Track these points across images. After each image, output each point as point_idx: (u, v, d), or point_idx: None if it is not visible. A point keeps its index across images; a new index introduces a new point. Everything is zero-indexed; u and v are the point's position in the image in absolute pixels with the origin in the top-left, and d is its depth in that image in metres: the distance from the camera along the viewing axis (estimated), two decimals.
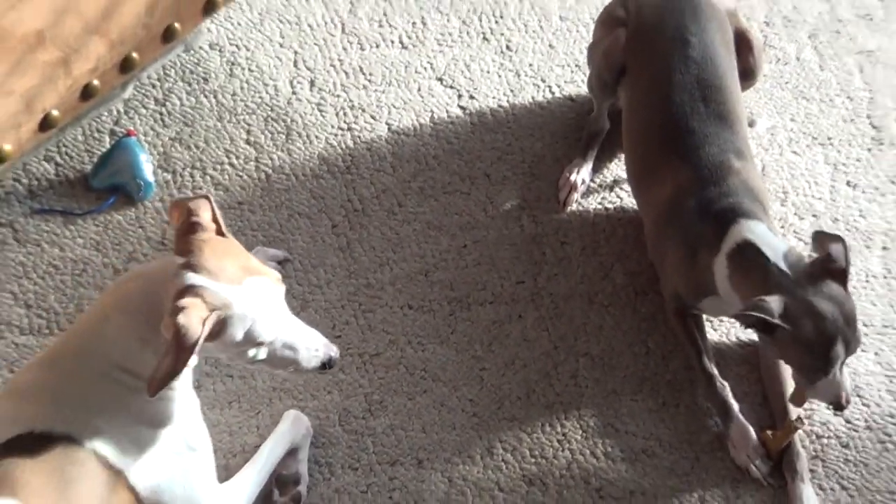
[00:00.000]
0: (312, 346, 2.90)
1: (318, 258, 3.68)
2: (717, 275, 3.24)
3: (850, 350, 3.08)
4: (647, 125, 3.54)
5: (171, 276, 2.69)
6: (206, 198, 2.83)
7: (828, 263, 3.12)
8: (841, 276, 3.10)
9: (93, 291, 3.56)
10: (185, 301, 2.62)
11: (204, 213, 2.80)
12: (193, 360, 2.71)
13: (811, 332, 3.04)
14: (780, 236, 3.27)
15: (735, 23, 3.68)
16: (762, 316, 3.00)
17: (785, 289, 3.07)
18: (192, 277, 2.68)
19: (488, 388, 3.50)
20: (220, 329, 2.70)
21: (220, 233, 2.81)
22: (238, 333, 2.73)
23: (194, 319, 2.60)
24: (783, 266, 3.12)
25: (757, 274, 3.14)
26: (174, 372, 2.60)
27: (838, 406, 3.16)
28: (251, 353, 2.80)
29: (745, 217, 3.24)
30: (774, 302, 3.03)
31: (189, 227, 2.78)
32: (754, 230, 3.21)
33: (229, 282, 2.71)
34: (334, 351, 2.94)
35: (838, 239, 3.12)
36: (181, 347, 2.58)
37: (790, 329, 3.02)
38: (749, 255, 3.18)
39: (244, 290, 2.73)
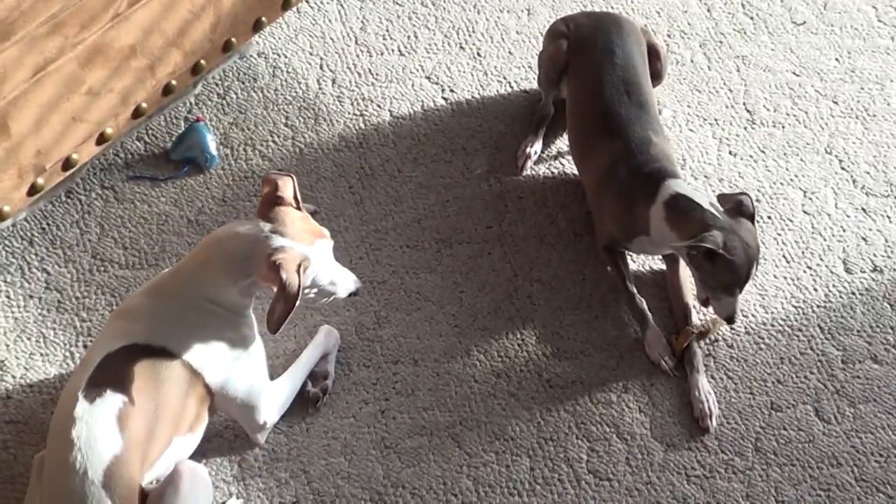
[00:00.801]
0: (348, 281, 2.95)
1: (338, 210, 3.60)
2: (653, 220, 3.20)
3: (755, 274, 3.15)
4: (585, 112, 3.51)
5: (263, 238, 2.71)
6: (290, 177, 2.84)
7: (740, 208, 3.14)
8: (750, 218, 3.13)
9: (173, 237, 3.51)
10: (281, 256, 2.66)
11: (287, 191, 2.81)
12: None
13: (741, 259, 3.04)
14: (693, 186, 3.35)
15: (647, 37, 3.67)
16: (709, 246, 3.00)
17: (720, 227, 3.06)
18: (279, 240, 2.70)
19: (466, 306, 3.44)
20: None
21: (297, 207, 2.82)
22: (308, 280, 2.76)
23: (292, 272, 2.65)
24: (714, 211, 3.12)
25: (694, 216, 3.11)
26: (287, 314, 2.68)
27: (730, 320, 3.18)
28: (308, 291, 2.83)
29: (671, 177, 3.24)
30: (717, 236, 3.02)
31: (274, 199, 2.80)
32: (681, 186, 3.21)
33: (305, 243, 2.74)
34: (360, 284, 3.00)
35: (744, 194, 3.18)
36: (289, 295, 2.67)
37: (728, 256, 3.02)
38: (682, 204, 3.15)
39: (315, 249, 2.77)
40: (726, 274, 3.07)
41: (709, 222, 3.08)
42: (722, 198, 3.23)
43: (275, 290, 2.70)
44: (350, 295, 2.99)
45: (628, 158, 3.31)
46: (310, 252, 2.75)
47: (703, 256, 3.07)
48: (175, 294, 2.82)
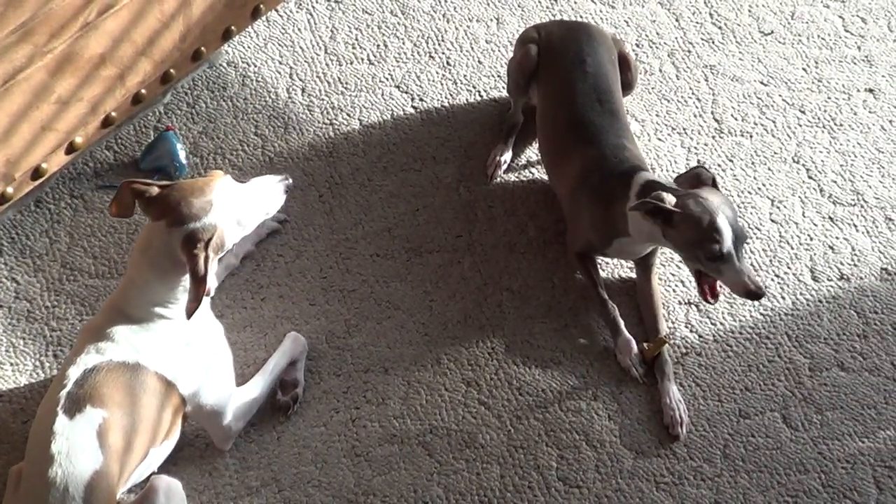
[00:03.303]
0: (272, 187, 2.99)
1: (308, 219, 3.61)
2: (630, 216, 3.20)
3: (737, 231, 3.05)
4: (557, 120, 3.53)
5: (167, 236, 2.72)
6: (127, 181, 2.81)
7: (700, 179, 3.17)
8: (713, 183, 3.15)
9: None
10: (193, 250, 2.70)
11: (150, 189, 2.80)
12: (214, 284, 2.79)
13: (696, 208, 3.03)
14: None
15: (619, 47, 3.68)
16: (657, 203, 3.02)
17: (677, 193, 3.09)
18: (183, 229, 2.71)
19: (436, 314, 3.46)
20: (220, 243, 2.76)
21: (162, 189, 2.80)
22: (229, 236, 2.82)
23: (201, 263, 2.68)
24: (675, 186, 3.16)
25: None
26: (200, 298, 2.68)
27: (751, 294, 3.05)
28: (239, 230, 2.86)
29: (641, 170, 3.27)
30: (668, 196, 3.04)
31: (147, 200, 2.78)
32: (650, 175, 3.25)
33: (203, 209, 2.74)
34: (288, 180, 3.03)
35: (697, 166, 3.24)
36: (198, 282, 2.69)
37: (680, 212, 3.02)
38: (651, 188, 3.15)
39: (217, 205, 2.76)
40: (696, 229, 3.02)
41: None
42: (679, 179, 3.25)
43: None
44: (286, 191, 3.02)
45: (602, 165, 3.34)
46: (214, 214, 2.75)
47: (663, 222, 3.06)
48: (130, 307, 2.85)
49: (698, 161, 3.82)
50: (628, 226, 3.24)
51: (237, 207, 2.83)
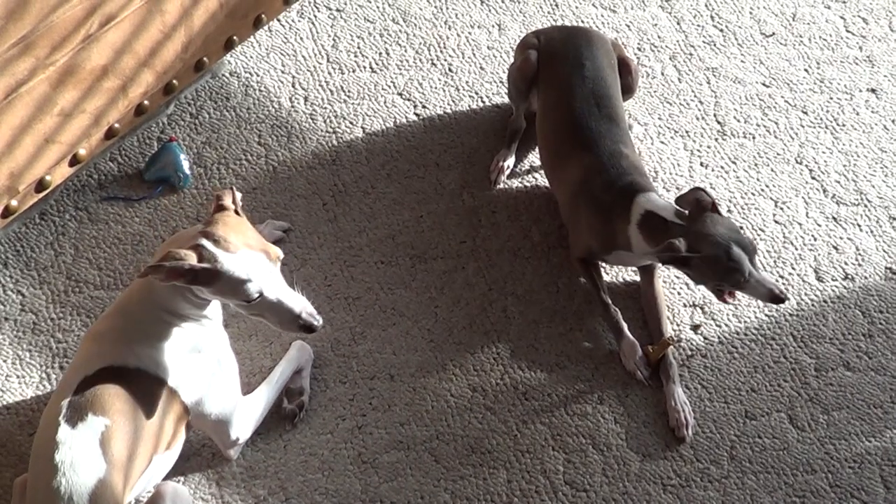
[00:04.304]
0: (297, 307, 2.82)
1: (312, 228, 3.61)
2: (633, 239, 3.23)
3: (748, 251, 3.09)
4: (556, 125, 3.53)
5: (191, 239, 2.71)
6: (231, 188, 2.84)
7: (700, 204, 3.15)
8: (713, 207, 3.14)
9: (147, 257, 3.51)
10: (187, 250, 2.67)
11: (227, 199, 2.80)
12: (218, 307, 2.80)
13: (710, 248, 3.05)
14: (663, 198, 3.31)
15: (618, 51, 3.69)
16: (674, 254, 3.04)
17: (683, 232, 3.09)
18: (202, 240, 2.69)
19: (441, 321, 3.46)
20: (213, 278, 2.69)
21: (236, 212, 2.81)
22: (228, 286, 2.71)
23: (182, 255, 2.64)
24: (676, 220, 3.14)
25: (662, 232, 3.14)
26: (146, 274, 2.66)
27: (776, 299, 3.10)
28: (246, 308, 2.80)
29: (642, 191, 3.26)
30: (680, 242, 3.05)
31: (217, 208, 2.79)
32: (650, 200, 3.23)
33: (227, 248, 2.70)
34: (318, 319, 2.86)
35: (696, 189, 3.21)
36: (158, 263, 2.64)
37: (697, 254, 3.05)
38: (653, 222, 3.18)
39: (237, 257, 2.70)
40: (715, 267, 3.07)
41: (672, 233, 3.11)
42: (679, 200, 3.24)
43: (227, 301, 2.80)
44: (305, 330, 2.85)
45: (600, 172, 3.33)
46: (227, 257, 2.69)
47: (682, 264, 3.10)
48: (137, 311, 2.85)
49: (701, 164, 3.83)
50: (631, 244, 3.25)
51: (253, 280, 2.73)
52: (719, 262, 3.05)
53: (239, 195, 2.86)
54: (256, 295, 2.74)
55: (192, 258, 2.65)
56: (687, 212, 3.17)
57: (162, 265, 2.62)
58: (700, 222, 3.11)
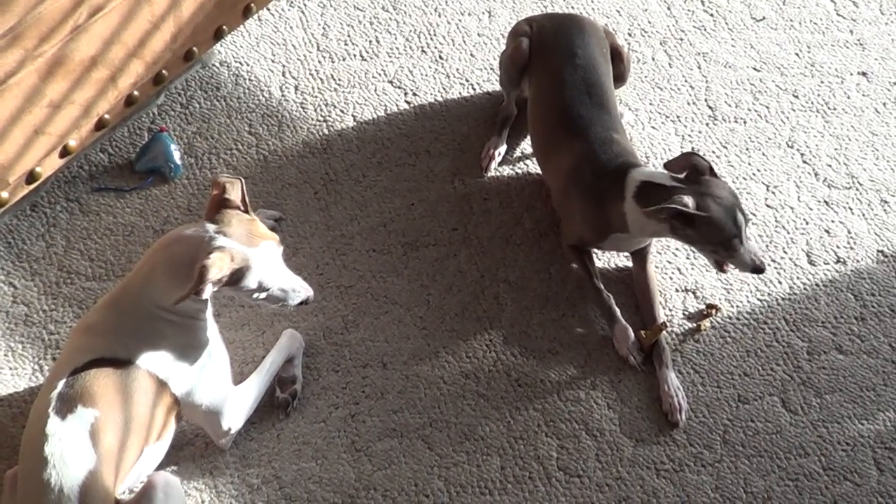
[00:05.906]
0: (297, 288, 2.93)
1: (304, 216, 3.62)
2: (629, 216, 3.21)
3: (746, 218, 3.11)
4: (547, 113, 3.53)
5: (207, 240, 2.71)
6: (239, 180, 2.83)
7: (696, 168, 3.15)
8: (710, 171, 3.15)
9: (139, 248, 3.51)
10: (217, 253, 2.66)
11: (234, 193, 2.80)
12: (209, 293, 2.70)
13: (719, 211, 3.06)
14: (656, 168, 3.37)
15: (611, 40, 3.68)
16: (680, 208, 3.02)
17: (688, 192, 3.08)
18: (222, 240, 2.70)
19: (433, 308, 3.47)
20: (239, 277, 2.73)
21: (245, 210, 2.82)
22: (252, 283, 2.77)
23: (217, 264, 2.63)
24: (675, 184, 3.14)
25: (663, 196, 3.10)
26: (188, 295, 2.65)
27: (757, 269, 3.14)
28: (257, 295, 2.84)
29: (633, 167, 3.26)
30: (688, 198, 3.05)
31: (222, 201, 2.79)
32: (643, 172, 3.23)
33: (249, 244, 2.74)
34: (311, 292, 2.98)
35: (689, 154, 3.22)
36: (200, 279, 2.63)
37: (705, 214, 3.04)
38: (650, 191, 3.16)
39: (259, 251, 2.76)
40: (714, 230, 3.08)
41: (676, 193, 3.10)
42: (670, 166, 3.24)
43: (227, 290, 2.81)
44: (301, 303, 2.98)
45: (591, 159, 3.33)
46: (252, 253, 2.75)
47: (683, 224, 3.09)
48: (130, 305, 2.84)
49: (692, 149, 3.82)
50: (627, 224, 3.24)
51: (267, 273, 2.82)
52: (725, 225, 3.06)
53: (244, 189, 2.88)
54: (277, 289, 2.88)
55: (225, 263, 2.68)
56: (682, 176, 3.18)
57: (203, 283, 2.64)
58: (704, 184, 3.12)
